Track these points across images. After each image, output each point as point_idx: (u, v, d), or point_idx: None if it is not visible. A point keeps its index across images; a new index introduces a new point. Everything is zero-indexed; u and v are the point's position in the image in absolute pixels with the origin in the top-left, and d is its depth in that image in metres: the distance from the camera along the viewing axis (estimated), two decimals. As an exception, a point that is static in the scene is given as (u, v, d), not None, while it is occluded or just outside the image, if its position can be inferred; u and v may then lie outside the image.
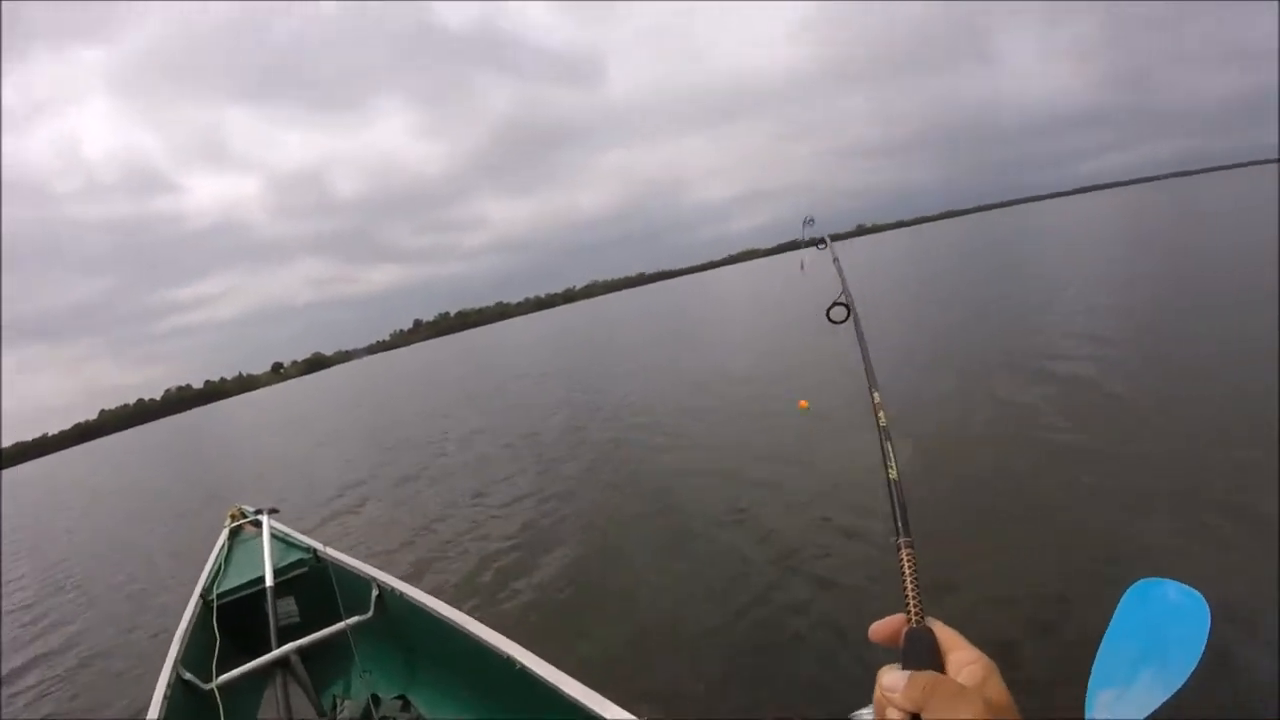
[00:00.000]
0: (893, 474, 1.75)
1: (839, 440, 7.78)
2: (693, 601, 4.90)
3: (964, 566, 4.54)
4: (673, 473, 8.08)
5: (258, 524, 4.73)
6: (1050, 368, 9.03)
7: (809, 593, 4.63)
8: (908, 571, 1.65)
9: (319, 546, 4.32)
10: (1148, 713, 2.65)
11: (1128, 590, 3.29)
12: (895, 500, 1.66)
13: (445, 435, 14.02)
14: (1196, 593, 3.09)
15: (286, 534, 4.65)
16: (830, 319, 3.20)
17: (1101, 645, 3.09)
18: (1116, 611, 3.22)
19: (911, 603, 1.51)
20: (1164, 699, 2.66)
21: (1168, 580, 3.23)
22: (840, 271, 3.89)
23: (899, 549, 1.58)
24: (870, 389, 2.48)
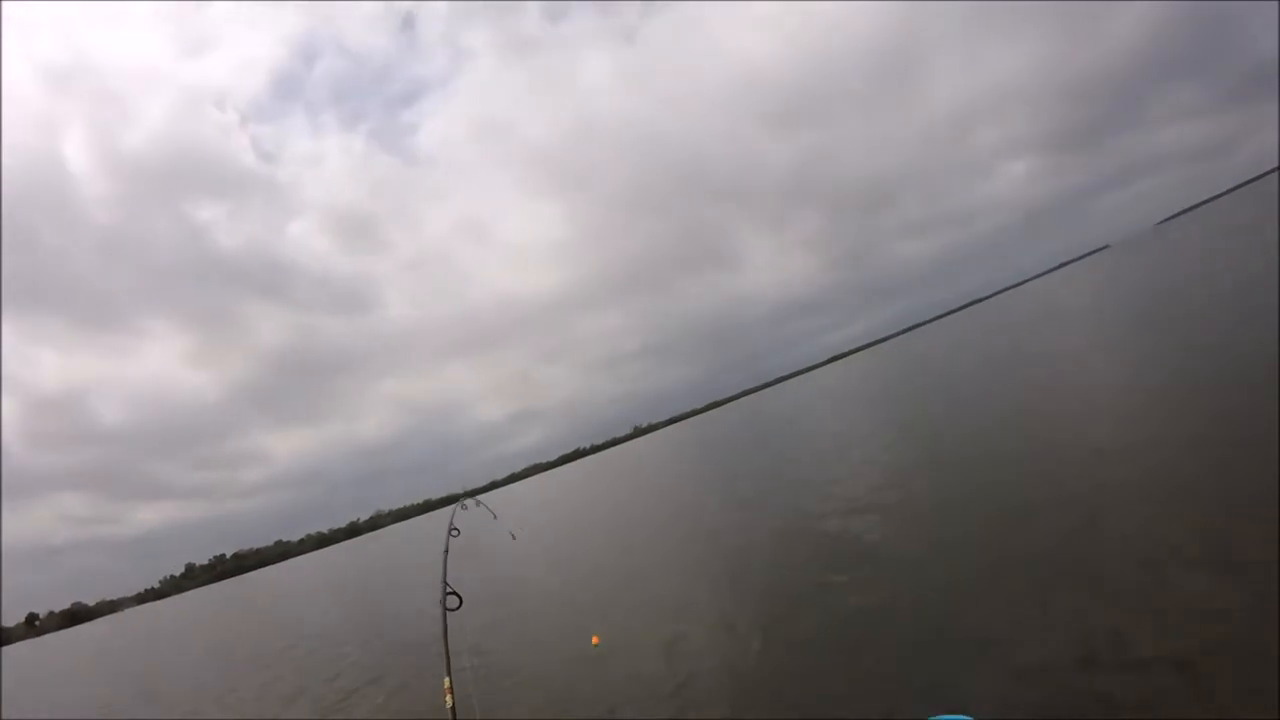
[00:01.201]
0: None
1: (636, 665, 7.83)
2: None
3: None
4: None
5: None
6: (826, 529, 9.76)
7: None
8: None
9: None
10: None
11: None
12: None
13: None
14: None
15: None
16: (446, 607, 3.96)
17: None
18: None
19: None
20: None
21: (950, 715, 3.66)
22: (445, 563, 4.94)
23: None
24: (446, 674, 3.17)
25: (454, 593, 3.84)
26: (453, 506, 7.34)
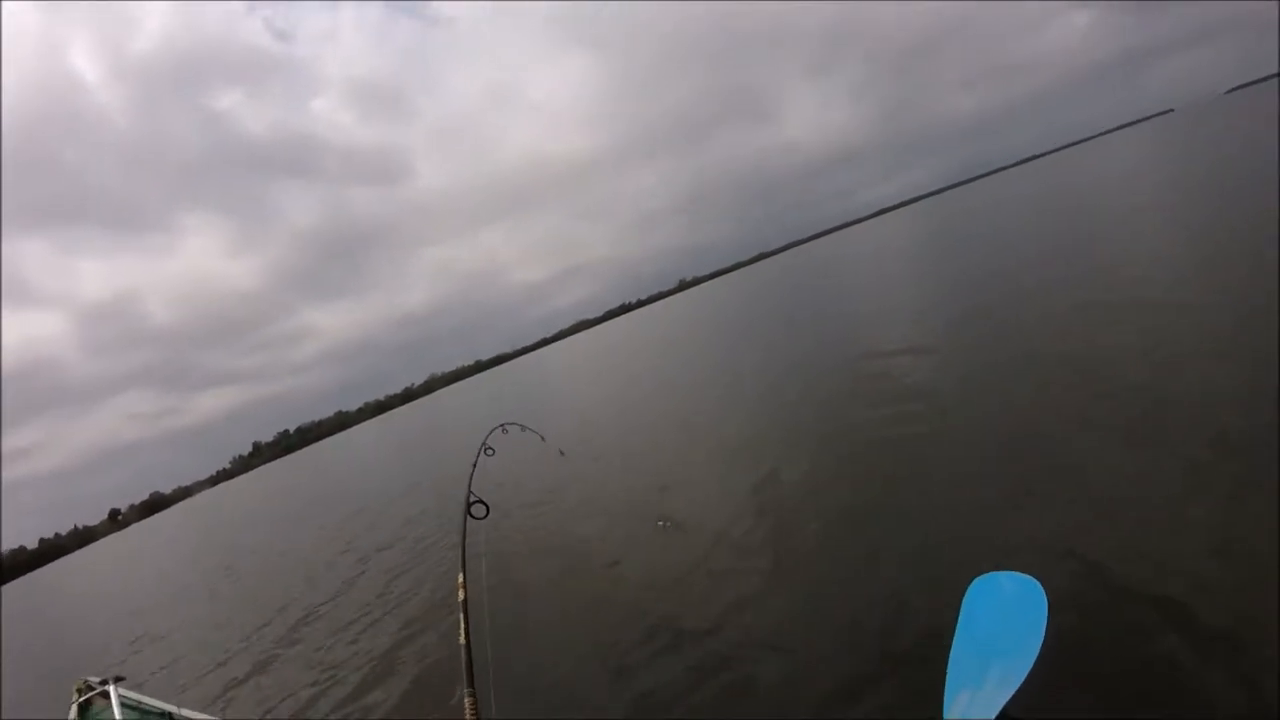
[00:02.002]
0: (462, 639, 2.54)
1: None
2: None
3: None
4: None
5: (106, 695, 4.48)
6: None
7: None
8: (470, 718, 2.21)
9: (173, 709, 4.19)
10: (1000, 706, 2.86)
11: (968, 588, 3.55)
12: (466, 660, 2.46)
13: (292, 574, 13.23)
14: (1032, 579, 3.37)
15: (138, 701, 4.51)
16: (471, 515, 3.87)
17: (952, 647, 3.32)
18: (961, 611, 3.47)
19: None
20: (1014, 689, 2.88)
21: (1004, 572, 3.51)
22: (471, 475, 4.76)
23: (464, 699, 2.29)
24: (460, 571, 3.13)
25: (480, 501, 3.81)
26: (492, 429, 7.13)
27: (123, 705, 4.28)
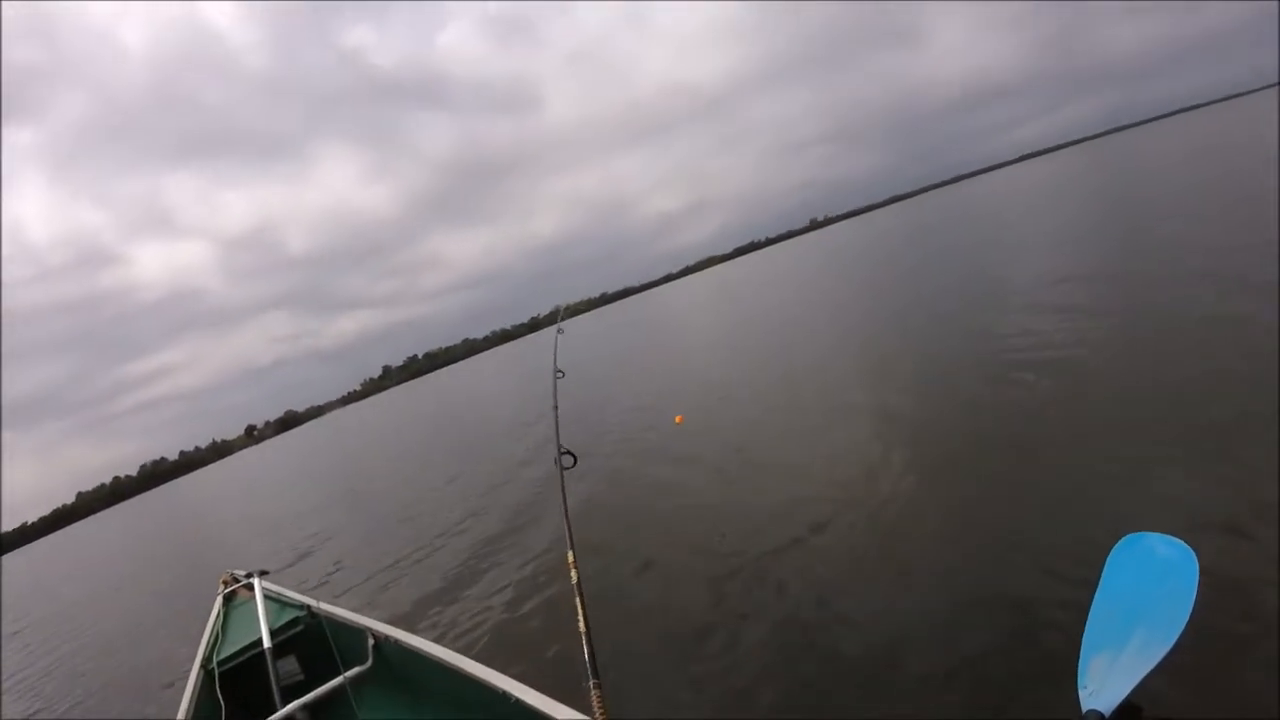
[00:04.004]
0: (581, 626, 2.23)
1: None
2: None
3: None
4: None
5: (250, 587, 4.81)
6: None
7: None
8: (597, 710, 1.96)
9: (312, 602, 4.39)
10: (1141, 675, 2.63)
11: (1114, 548, 3.29)
12: (587, 647, 2.13)
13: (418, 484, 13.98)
14: (1183, 544, 3.08)
15: (279, 593, 4.75)
16: (559, 466, 3.34)
17: (1091, 608, 3.09)
18: (1104, 571, 3.22)
19: None
20: (1157, 659, 2.64)
21: (1152, 534, 3.22)
22: (556, 422, 3.98)
23: (589, 691, 2.01)
24: (568, 548, 2.66)
25: (568, 452, 3.30)
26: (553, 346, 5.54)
27: (265, 597, 4.58)
